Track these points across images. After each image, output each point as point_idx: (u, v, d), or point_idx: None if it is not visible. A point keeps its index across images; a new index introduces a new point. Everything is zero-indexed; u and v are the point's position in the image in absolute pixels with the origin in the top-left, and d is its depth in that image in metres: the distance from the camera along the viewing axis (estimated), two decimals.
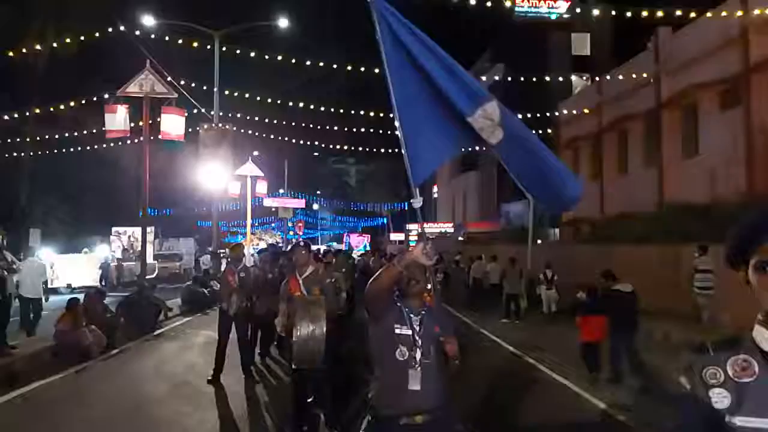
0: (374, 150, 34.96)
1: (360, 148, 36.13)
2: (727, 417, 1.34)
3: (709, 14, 17.30)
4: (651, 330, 12.41)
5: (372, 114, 23.70)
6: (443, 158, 3.35)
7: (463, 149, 3.64)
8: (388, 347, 2.98)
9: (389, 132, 28.39)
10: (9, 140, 23.88)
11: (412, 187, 3.03)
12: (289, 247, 7.00)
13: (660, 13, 16.30)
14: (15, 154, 25.96)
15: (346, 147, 34.95)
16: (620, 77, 22.45)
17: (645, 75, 21.07)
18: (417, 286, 3.10)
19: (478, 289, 18.42)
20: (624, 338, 8.02)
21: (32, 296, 11.52)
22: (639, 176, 22.18)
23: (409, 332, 3.00)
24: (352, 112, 23.37)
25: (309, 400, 5.57)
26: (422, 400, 2.94)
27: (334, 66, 19.36)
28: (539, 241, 24.39)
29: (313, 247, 8.07)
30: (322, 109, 22.83)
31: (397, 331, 3.01)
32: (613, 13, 18.47)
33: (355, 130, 27.44)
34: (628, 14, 16.78)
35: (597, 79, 27.40)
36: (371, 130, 27.47)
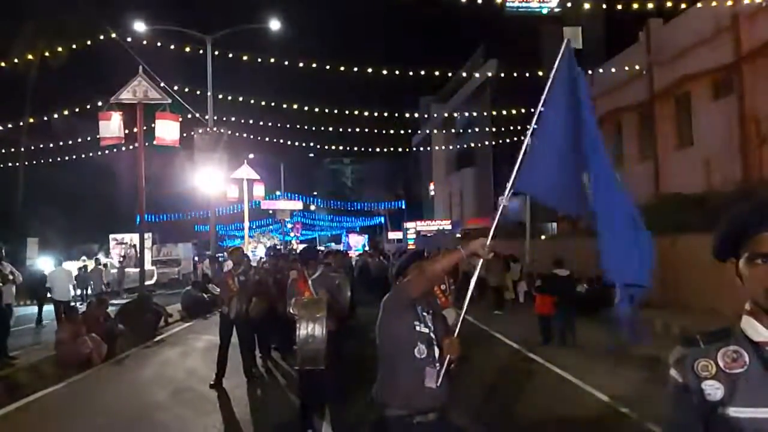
0: (370, 150, 34.98)
1: (356, 148, 36.17)
2: (720, 408, 1.35)
3: (699, 4, 17.34)
4: (650, 320, 12.47)
5: (366, 114, 23.70)
6: (546, 200, 3.33)
7: (563, 211, 3.61)
8: (406, 344, 2.97)
9: (384, 131, 28.43)
10: (3, 150, 23.82)
11: (507, 189, 3.08)
12: (300, 251, 7.02)
13: (650, 5, 16.33)
14: (10, 164, 25.91)
15: (341, 147, 34.95)
16: (613, 70, 22.49)
17: (637, 67, 21.12)
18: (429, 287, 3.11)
19: (466, 283, 18.78)
20: (563, 311, 10.32)
21: (63, 299, 13.95)
22: (634, 167, 22.22)
23: (427, 330, 3.02)
24: (347, 112, 23.36)
25: (314, 401, 5.58)
26: (437, 398, 2.96)
27: (327, 67, 19.33)
28: (543, 237, 24.45)
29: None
30: (317, 110, 22.82)
31: (417, 328, 3.01)
32: (604, 6, 18.50)
33: (350, 130, 27.45)
34: (619, 7, 16.82)
35: (589, 72, 27.36)
36: (366, 130, 27.49)
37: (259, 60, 19.34)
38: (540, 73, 25.99)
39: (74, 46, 18.21)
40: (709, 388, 1.37)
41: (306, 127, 28.07)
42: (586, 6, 21.29)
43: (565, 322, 10.53)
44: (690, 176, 17.71)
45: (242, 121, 24.49)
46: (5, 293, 9.80)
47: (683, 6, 16.95)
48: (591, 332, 11.69)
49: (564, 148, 3.13)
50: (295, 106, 22.51)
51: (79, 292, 20.83)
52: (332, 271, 8.44)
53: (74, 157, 24.86)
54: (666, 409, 1.48)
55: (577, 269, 14.37)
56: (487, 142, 32.71)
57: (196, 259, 33.47)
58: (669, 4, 16.43)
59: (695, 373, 1.39)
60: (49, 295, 14.67)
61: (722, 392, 1.35)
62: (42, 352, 10.35)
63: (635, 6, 16.50)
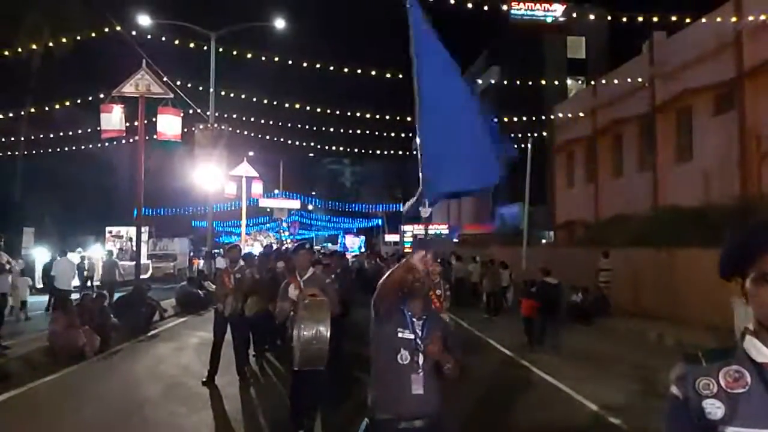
0: (370, 151, 34.99)
1: (356, 149, 36.18)
2: (720, 427, 1.35)
3: (703, 19, 17.40)
4: (645, 331, 12.50)
5: (368, 115, 23.71)
6: (456, 188, 3.27)
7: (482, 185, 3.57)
8: (389, 350, 2.97)
9: (385, 133, 28.44)
10: (3, 139, 23.74)
11: (422, 202, 3.05)
12: (292, 248, 6.90)
13: (655, 18, 16.39)
14: (9, 153, 25.83)
15: (341, 148, 34.99)
16: (615, 81, 22.54)
17: (640, 79, 21.17)
18: (420, 290, 3.08)
19: (460, 287, 18.95)
20: (549, 317, 10.95)
21: (65, 288, 14.37)
22: (633, 179, 22.27)
23: (412, 336, 2.99)
24: (348, 113, 23.38)
25: (307, 401, 5.58)
26: (423, 405, 2.94)
27: (331, 68, 19.35)
28: (544, 241, 24.50)
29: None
30: (318, 110, 22.83)
31: (400, 334, 2.99)
32: (609, 17, 18.55)
33: (351, 131, 27.47)
34: (624, 18, 16.87)
35: (592, 82, 27.49)
36: (367, 132, 27.50)
37: (263, 58, 19.37)
38: (543, 82, 26.10)
39: (78, 37, 18.18)
40: (709, 407, 1.36)
41: (307, 127, 28.11)
42: (591, 17, 21.38)
43: (555, 328, 11.06)
44: (688, 190, 17.77)
45: (243, 118, 24.51)
46: (1, 283, 9.77)
47: (687, 20, 17.00)
48: (584, 340, 11.74)
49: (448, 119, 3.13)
50: (297, 106, 22.53)
51: (78, 282, 20.92)
52: (331, 273, 8.44)
53: (73, 148, 24.79)
54: (664, 426, 1.48)
55: (572, 277, 14.50)
56: None
57: (192, 254, 33.40)
58: (674, 18, 16.48)
59: (696, 391, 1.39)
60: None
61: (723, 411, 1.35)
62: (35, 343, 10.31)
63: (639, 18, 16.54)
